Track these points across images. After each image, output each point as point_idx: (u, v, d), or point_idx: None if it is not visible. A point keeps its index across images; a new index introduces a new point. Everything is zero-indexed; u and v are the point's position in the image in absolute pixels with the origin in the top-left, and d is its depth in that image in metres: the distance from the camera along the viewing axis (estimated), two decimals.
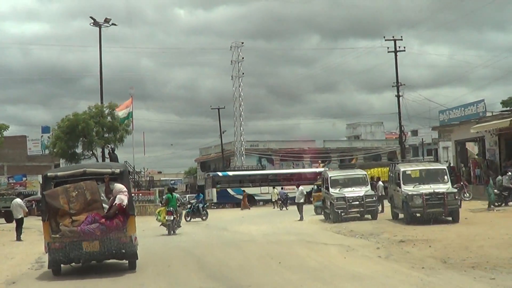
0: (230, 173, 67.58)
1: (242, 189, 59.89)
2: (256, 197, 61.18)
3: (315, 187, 44.57)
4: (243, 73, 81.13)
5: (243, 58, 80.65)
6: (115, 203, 14.82)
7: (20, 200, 29.02)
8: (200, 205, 38.47)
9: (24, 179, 75.06)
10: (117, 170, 15.69)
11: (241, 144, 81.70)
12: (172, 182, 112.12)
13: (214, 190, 63.21)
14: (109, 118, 52.56)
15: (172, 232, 26.71)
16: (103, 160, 52.07)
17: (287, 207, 48.15)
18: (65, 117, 51.46)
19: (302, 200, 35.19)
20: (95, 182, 15.35)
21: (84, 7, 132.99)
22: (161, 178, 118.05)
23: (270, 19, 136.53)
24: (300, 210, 34.52)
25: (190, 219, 37.55)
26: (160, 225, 27.36)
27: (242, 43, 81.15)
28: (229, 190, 63.21)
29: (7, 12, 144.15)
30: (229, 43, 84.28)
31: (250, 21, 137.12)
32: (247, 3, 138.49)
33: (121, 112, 51.93)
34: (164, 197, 30.21)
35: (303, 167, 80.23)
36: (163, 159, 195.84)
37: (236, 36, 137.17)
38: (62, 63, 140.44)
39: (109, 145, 51.25)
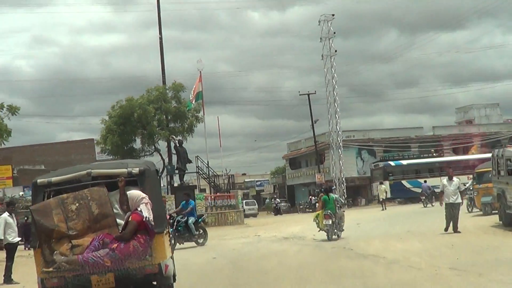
0: (404, 162, 61.22)
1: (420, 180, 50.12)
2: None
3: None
4: (335, 51, 68.61)
5: (334, 33, 68.37)
6: (130, 218, 10.26)
7: (8, 216, 17.21)
8: (191, 220, 23.61)
9: None
10: (136, 170, 10.83)
11: (338, 135, 69.13)
12: (258, 183, 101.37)
13: (387, 183, 53.32)
14: (174, 102, 41.16)
15: (332, 237, 22.60)
16: (169, 157, 40.69)
17: (433, 203, 40.25)
18: (116, 103, 40.30)
19: (458, 200, 21.48)
20: (104, 188, 10.69)
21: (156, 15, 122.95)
22: (245, 180, 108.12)
23: (346, 17, 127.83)
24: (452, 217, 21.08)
25: (175, 244, 22.32)
26: (319, 230, 23.46)
27: (333, 15, 68.64)
28: (404, 182, 56.08)
29: (84, 25, 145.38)
30: (306, 43, 72.75)
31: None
32: (321, 2, 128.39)
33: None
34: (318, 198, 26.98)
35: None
36: (247, 163, 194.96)
37: (311, 36, 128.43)
38: (141, 72, 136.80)
39: (174, 137, 39.80)
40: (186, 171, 41.06)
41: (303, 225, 33.60)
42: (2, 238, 16.34)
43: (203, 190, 44.63)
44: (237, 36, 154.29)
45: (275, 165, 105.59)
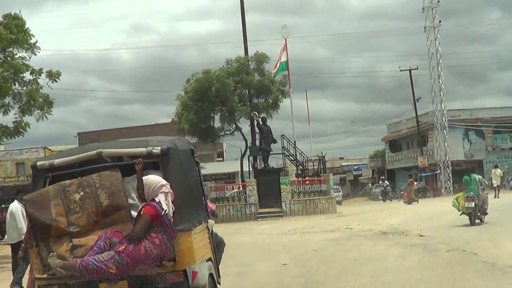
0: None
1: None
2: None
3: None
4: (439, 21, 62.36)
5: (438, 1, 61.96)
6: (143, 211, 8.06)
7: (19, 205, 13.66)
8: None
9: None
10: (157, 149, 8.40)
11: (442, 114, 63.00)
12: (356, 167, 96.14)
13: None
14: (256, 75, 36.78)
15: (475, 221, 21.09)
16: (252, 136, 36.49)
17: None
18: (191, 76, 36.25)
19: None
20: (118, 173, 8.59)
21: (255, 1, 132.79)
22: (342, 164, 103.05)
23: None
24: None
25: None
26: (461, 214, 21.58)
27: None
28: None
29: (181, 12, 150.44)
30: (404, 24, 67.19)
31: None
32: None
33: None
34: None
35: None
36: (346, 147, 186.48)
37: (409, 18, 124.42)
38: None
39: (256, 114, 35.46)
40: (271, 152, 36.72)
41: (405, 215, 28.68)
42: (24, 229, 12.69)
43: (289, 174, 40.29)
44: (333, 20, 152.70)
45: (374, 150, 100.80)
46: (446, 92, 63.12)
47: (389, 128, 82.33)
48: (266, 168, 36.16)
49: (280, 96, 37.98)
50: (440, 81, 62.54)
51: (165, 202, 8.13)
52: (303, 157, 38.25)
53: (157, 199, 8.09)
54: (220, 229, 28.24)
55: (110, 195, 8.55)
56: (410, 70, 66.05)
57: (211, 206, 10.90)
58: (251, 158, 37.99)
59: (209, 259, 9.09)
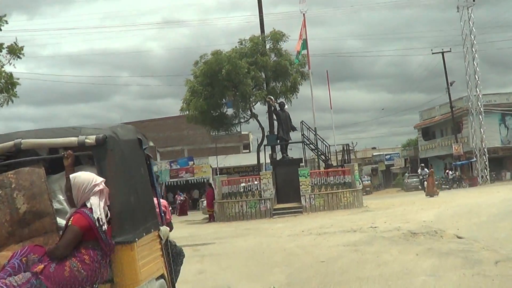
0: None
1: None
2: None
3: None
4: (473, 0, 58.37)
5: None
6: (71, 220, 6.21)
7: None
8: None
9: (190, 163, 59.09)
10: (91, 138, 6.58)
11: (477, 98, 59.12)
12: (388, 156, 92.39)
13: None
14: (273, 56, 33.57)
15: None
16: (270, 124, 33.40)
17: None
18: (199, 57, 33.17)
19: None
20: (41, 169, 6.81)
21: None
22: (374, 154, 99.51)
23: None
24: None
25: None
26: None
27: None
28: None
29: (212, 5, 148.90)
30: (436, 15, 63.69)
31: None
32: None
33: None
34: None
35: None
36: (378, 137, 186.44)
37: (440, 7, 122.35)
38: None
39: (272, 98, 32.23)
40: (290, 141, 33.46)
41: (439, 209, 25.27)
42: None
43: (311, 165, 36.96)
44: (364, 10, 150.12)
45: (407, 139, 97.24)
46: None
47: (421, 115, 78.46)
48: (285, 158, 32.95)
49: (299, 79, 34.61)
50: (475, 64, 58.80)
51: (98, 206, 6.27)
52: (325, 145, 34.85)
53: (88, 204, 6.26)
54: (229, 229, 25.29)
55: (30, 198, 6.74)
56: (442, 53, 62.23)
57: (168, 214, 9.29)
58: (269, 148, 34.77)
59: (161, 276, 7.24)
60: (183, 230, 26.41)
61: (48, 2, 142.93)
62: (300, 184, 30.15)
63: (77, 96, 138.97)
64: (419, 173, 59.11)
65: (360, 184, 32.46)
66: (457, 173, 57.52)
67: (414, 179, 67.97)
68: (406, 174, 75.91)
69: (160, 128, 79.66)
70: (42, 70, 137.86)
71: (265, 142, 36.15)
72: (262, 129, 36.74)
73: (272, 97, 32.54)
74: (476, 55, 58.64)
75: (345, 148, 35.81)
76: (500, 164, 64.15)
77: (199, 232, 25.19)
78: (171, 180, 58.59)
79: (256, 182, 31.03)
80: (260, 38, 34.25)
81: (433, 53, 62.69)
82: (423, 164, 61.68)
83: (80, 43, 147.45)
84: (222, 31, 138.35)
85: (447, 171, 57.99)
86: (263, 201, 30.31)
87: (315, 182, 30.55)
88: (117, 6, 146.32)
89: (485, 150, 58.57)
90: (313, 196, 30.00)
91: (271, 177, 30.54)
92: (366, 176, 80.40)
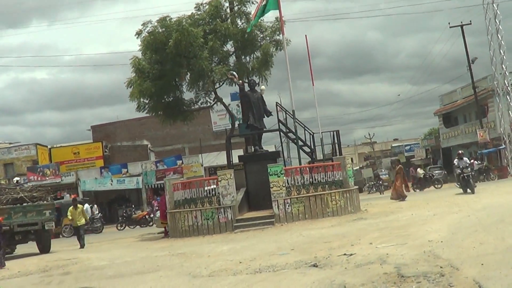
0: None
1: None
2: None
3: None
4: None
5: None
6: None
7: None
8: None
9: (179, 162, 51.92)
10: None
11: (504, 76, 51.20)
12: (408, 147, 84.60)
13: None
14: (241, 22, 26.44)
15: None
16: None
17: None
18: (142, 26, 26.08)
19: None
20: None
21: None
22: (393, 145, 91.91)
23: None
24: None
25: None
26: None
27: None
28: None
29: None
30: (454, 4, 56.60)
31: None
32: None
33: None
34: None
35: None
36: (404, 130, 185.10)
37: None
38: (290, 47, 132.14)
39: (235, 74, 25.02)
40: (264, 129, 26.11)
41: (458, 214, 18.06)
42: None
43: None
44: (383, 2, 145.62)
45: (430, 128, 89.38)
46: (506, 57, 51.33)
47: (442, 99, 70.44)
48: (257, 152, 25.57)
49: (272, 50, 27.07)
50: (499, 36, 50.79)
51: None
52: (310, 134, 27.24)
53: None
54: (158, 254, 18.00)
55: None
56: (462, 26, 54.34)
57: None
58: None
59: None
60: (101, 254, 19.48)
61: (67, 5, 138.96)
62: (271, 185, 22.62)
63: (100, 99, 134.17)
64: (456, 164, 51.01)
65: (352, 181, 24.65)
66: (484, 163, 49.62)
67: (437, 171, 60.23)
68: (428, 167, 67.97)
69: (159, 125, 73.06)
70: (65, 75, 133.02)
71: (238, 133, 28.90)
72: (231, 116, 29.20)
73: (234, 73, 25.16)
74: (500, 26, 50.75)
75: (334, 136, 27.88)
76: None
77: (114, 258, 18.00)
78: (157, 182, 51.54)
79: (217, 186, 23.54)
80: (219, 2, 26.81)
81: (451, 27, 54.79)
82: (461, 151, 53.55)
83: (100, 46, 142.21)
84: None
85: (472, 160, 50.16)
86: (222, 210, 22.86)
87: (293, 182, 22.93)
88: (134, 11, 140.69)
89: None
90: (289, 201, 22.34)
91: (232, 177, 22.88)
92: (384, 170, 72.68)
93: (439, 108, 70.45)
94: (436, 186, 46.81)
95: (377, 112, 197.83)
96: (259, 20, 26.08)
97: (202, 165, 52.70)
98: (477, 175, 46.80)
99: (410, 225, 16.70)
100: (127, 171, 53.15)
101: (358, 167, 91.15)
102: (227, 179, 22.73)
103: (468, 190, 28.27)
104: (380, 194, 51.03)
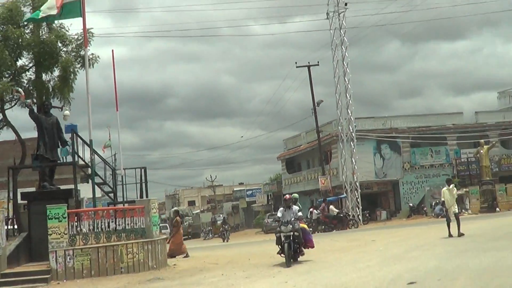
0: None
1: None
2: None
3: None
4: (345, 4, 48.58)
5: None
6: None
7: None
8: None
9: None
10: None
11: (349, 122, 48.91)
12: (249, 192, 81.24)
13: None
14: (45, 31, 21.38)
15: None
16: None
17: None
18: None
19: None
20: None
21: (159, 28, 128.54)
22: (235, 189, 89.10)
23: (347, 27, 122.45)
24: None
25: None
26: None
27: None
28: None
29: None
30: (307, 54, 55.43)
31: (326, 31, 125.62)
32: (321, 13, 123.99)
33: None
34: None
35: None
36: (253, 175, 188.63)
37: (313, 47, 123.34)
38: (142, 85, 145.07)
39: (21, 91, 19.86)
40: (59, 161, 20.98)
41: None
42: None
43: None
44: (238, 48, 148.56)
45: (276, 173, 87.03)
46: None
47: (286, 143, 67.78)
48: (45, 189, 20.40)
49: (76, 65, 22.00)
50: (346, 80, 48.61)
51: None
52: (111, 169, 22.27)
53: None
54: None
55: None
56: (308, 67, 51.86)
57: None
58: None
59: None
60: None
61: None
62: (49, 232, 17.40)
63: None
64: (278, 216, 46.93)
65: (157, 230, 19.81)
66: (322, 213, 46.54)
67: (270, 220, 56.70)
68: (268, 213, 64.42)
69: None
70: None
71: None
72: (22, 144, 23.60)
73: (20, 90, 20.01)
74: (347, 69, 48.59)
75: (142, 172, 22.94)
76: (375, 201, 54.34)
77: None
78: None
79: None
80: (17, 3, 21.56)
81: (297, 67, 52.12)
82: (287, 195, 50.09)
83: None
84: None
85: (311, 209, 46.95)
86: None
87: (79, 229, 17.82)
88: None
89: (357, 184, 48.37)
90: (71, 252, 17.26)
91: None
92: (221, 215, 68.64)
93: (282, 153, 67.67)
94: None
95: (228, 156, 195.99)
96: (64, 31, 21.23)
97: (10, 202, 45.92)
98: (316, 225, 43.63)
99: None
100: None
101: (198, 211, 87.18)
102: None
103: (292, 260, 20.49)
104: (224, 241, 45.72)
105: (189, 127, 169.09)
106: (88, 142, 20.38)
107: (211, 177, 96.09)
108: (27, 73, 22.62)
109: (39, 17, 18.93)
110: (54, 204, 17.85)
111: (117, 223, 18.55)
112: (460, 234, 22.07)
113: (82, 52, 21.60)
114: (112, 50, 27.00)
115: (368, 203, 50.43)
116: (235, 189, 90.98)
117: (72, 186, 20.84)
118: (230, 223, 67.41)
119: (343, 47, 48.64)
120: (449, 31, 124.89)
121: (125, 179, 22.97)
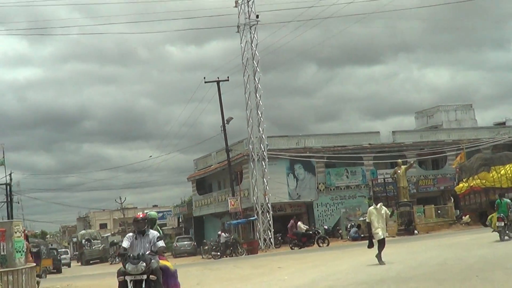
0: None
1: None
2: None
3: None
4: (257, 16, 45.99)
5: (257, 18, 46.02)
6: None
7: None
8: None
9: None
10: None
11: (260, 140, 46.16)
12: (160, 214, 77.26)
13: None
14: None
15: (504, 237, 24.36)
16: None
17: None
18: None
19: None
20: None
21: (75, 50, 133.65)
22: (145, 211, 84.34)
23: (264, 51, 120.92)
24: None
25: None
26: (492, 231, 25.03)
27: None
28: None
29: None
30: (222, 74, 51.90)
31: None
32: (238, 37, 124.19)
33: None
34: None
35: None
36: (171, 197, 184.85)
37: (231, 70, 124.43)
38: (59, 107, 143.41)
39: None
40: None
41: None
42: None
43: None
44: (155, 71, 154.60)
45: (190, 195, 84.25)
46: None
47: (196, 163, 64.63)
48: None
49: None
50: (258, 96, 45.96)
51: None
52: None
53: None
54: None
55: None
56: (218, 82, 49.04)
57: None
58: None
59: None
60: None
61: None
62: None
63: None
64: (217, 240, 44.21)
65: (22, 257, 16.35)
66: (232, 236, 43.61)
67: (186, 243, 53.87)
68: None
69: None
70: None
71: None
72: None
73: None
74: (259, 85, 45.96)
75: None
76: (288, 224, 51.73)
77: None
78: None
79: None
80: None
81: (206, 82, 49.20)
82: (231, 222, 46.97)
83: None
84: (9, 85, 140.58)
85: (220, 232, 43.97)
86: None
87: None
88: None
89: (269, 206, 45.57)
90: None
91: None
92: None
93: (192, 173, 64.47)
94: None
95: (146, 178, 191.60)
96: None
97: None
98: (224, 249, 40.67)
99: None
100: None
101: (108, 234, 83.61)
102: None
103: None
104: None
105: (107, 150, 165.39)
106: None
107: (120, 199, 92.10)
108: None
109: None
110: None
111: None
112: (381, 262, 19.24)
113: None
114: None
115: (281, 226, 47.81)
116: (145, 211, 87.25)
117: None
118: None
119: (254, 61, 46.03)
120: (365, 56, 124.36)
121: None
